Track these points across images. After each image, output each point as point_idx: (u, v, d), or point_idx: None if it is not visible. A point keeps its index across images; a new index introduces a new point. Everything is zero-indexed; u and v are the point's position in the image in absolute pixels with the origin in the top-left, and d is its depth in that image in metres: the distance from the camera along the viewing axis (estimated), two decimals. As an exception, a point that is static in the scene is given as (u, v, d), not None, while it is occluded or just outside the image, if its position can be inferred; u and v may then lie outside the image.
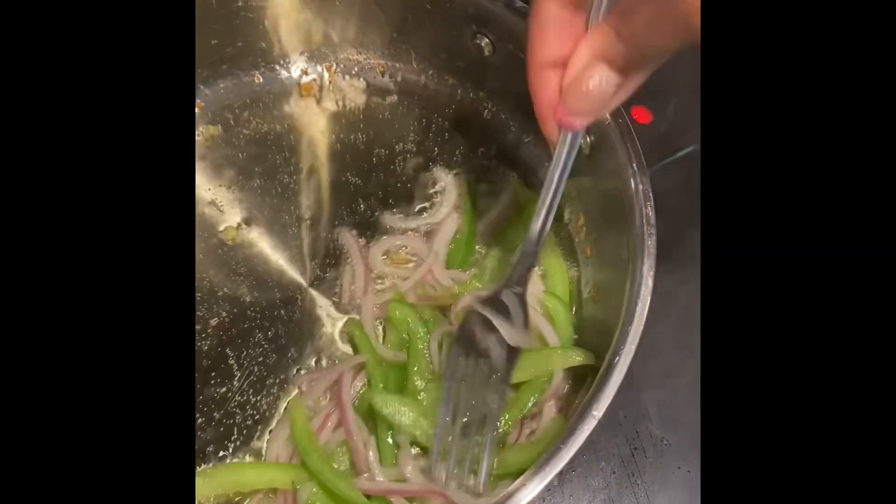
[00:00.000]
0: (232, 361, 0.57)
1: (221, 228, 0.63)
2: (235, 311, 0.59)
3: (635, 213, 0.48)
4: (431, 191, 0.65)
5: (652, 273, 0.46)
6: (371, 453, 0.50)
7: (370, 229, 0.63)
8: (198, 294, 0.59)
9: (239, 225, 0.63)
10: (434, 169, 0.66)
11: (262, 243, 0.62)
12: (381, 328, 0.58)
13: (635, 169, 0.50)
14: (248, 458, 0.54)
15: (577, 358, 0.53)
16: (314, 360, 0.57)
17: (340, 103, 0.70)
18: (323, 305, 0.60)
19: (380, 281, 0.60)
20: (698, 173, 0.69)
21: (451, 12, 0.62)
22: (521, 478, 0.40)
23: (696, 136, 0.71)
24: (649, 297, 0.45)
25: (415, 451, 0.51)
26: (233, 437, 0.54)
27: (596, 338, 0.54)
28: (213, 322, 0.58)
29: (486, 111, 0.68)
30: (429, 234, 0.62)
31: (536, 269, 0.60)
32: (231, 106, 0.68)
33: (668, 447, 0.56)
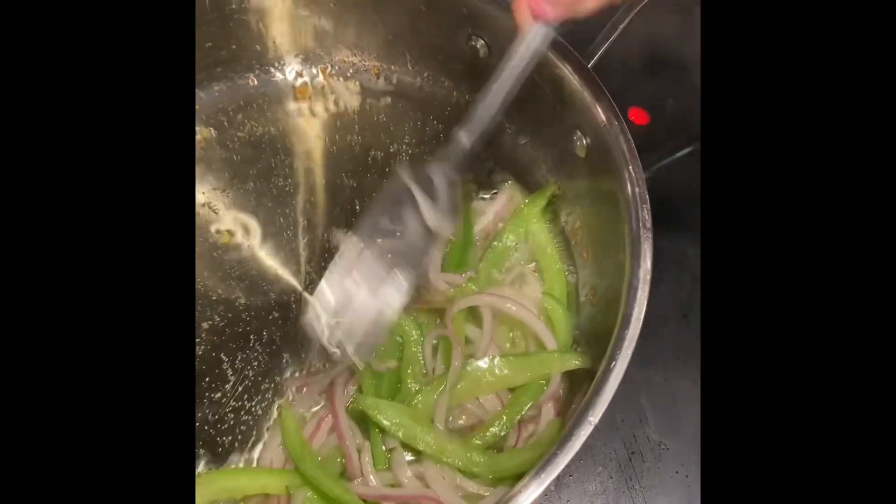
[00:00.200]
0: (226, 366, 0.56)
1: (215, 231, 0.62)
2: (230, 315, 0.59)
3: (632, 216, 0.47)
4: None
5: (649, 277, 0.45)
6: (365, 458, 0.50)
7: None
8: (191, 298, 0.59)
9: (233, 228, 0.63)
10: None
11: (257, 246, 0.62)
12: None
13: (632, 172, 0.49)
14: (241, 464, 0.53)
15: (574, 362, 0.52)
16: (308, 364, 0.57)
17: (335, 105, 0.70)
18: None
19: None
20: (696, 175, 0.70)
21: (446, 14, 0.61)
22: (518, 484, 0.40)
23: (694, 138, 0.71)
24: (646, 301, 0.45)
25: (408, 455, 0.51)
26: (227, 442, 0.54)
27: (593, 341, 0.54)
28: (206, 326, 0.58)
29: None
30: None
31: (534, 270, 0.59)
32: (225, 108, 0.68)
33: (665, 451, 0.56)
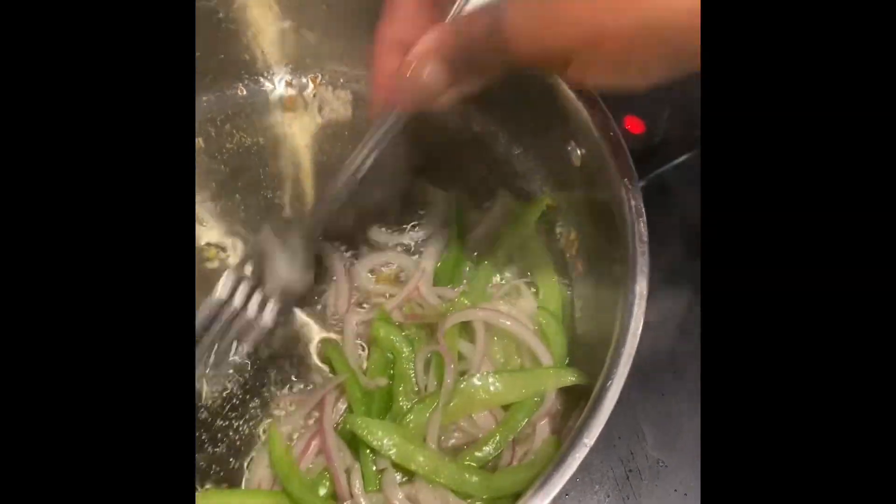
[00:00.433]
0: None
1: (202, 243, 0.61)
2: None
3: (627, 230, 0.46)
4: (419, 205, 0.63)
5: (645, 293, 0.44)
6: (355, 479, 0.49)
7: (356, 245, 0.61)
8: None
9: (220, 241, 0.61)
10: (422, 183, 0.64)
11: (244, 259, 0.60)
12: (362, 348, 0.56)
13: (627, 184, 0.48)
14: (226, 485, 0.52)
15: (570, 378, 0.51)
16: (297, 381, 0.56)
17: (326, 115, 0.68)
18: (307, 323, 0.58)
19: (365, 299, 0.58)
20: (693, 183, 0.69)
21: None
22: (512, 507, 0.39)
23: (690, 146, 0.70)
24: (643, 317, 0.44)
25: (400, 476, 0.49)
26: (214, 463, 0.52)
27: (589, 356, 0.52)
28: (192, 342, 0.56)
29: (474, 124, 0.67)
30: (416, 250, 0.61)
31: (527, 283, 0.58)
32: (213, 119, 0.67)
33: (664, 469, 0.55)
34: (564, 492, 0.53)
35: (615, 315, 0.46)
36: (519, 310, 0.56)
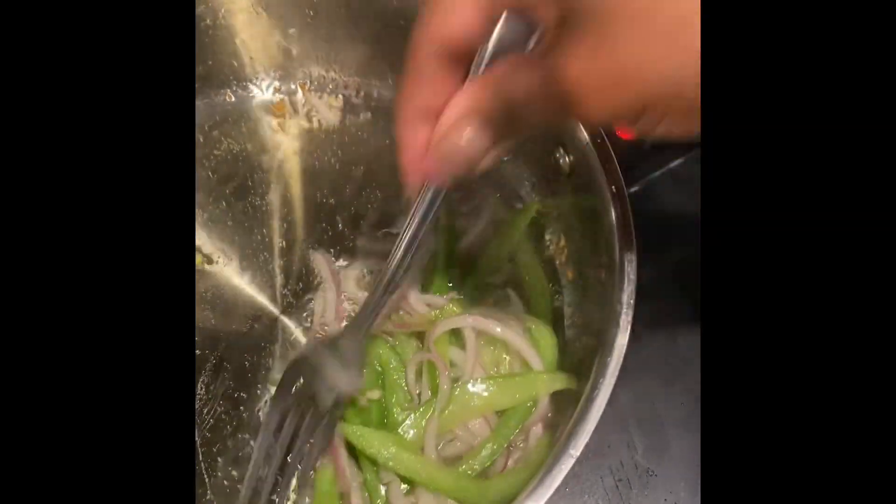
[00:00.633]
0: (200, 393, 0.54)
1: (190, 253, 0.61)
2: (200, 340, 0.56)
3: (615, 238, 0.46)
4: (409, 212, 0.63)
5: (633, 301, 0.44)
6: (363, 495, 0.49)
7: (346, 252, 0.61)
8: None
9: (207, 249, 0.61)
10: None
11: (232, 268, 0.60)
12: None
13: (615, 190, 0.48)
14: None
15: (562, 383, 0.51)
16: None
17: (315, 121, 0.68)
18: (296, 334, 0.57)
19: (354, 306, 0.58)
20: (683, 189, 0.69)
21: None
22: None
23: (681, 151, 0.70)
24: (629, 326, 0.43)
25: (403, 487, 0.49)
26: (198, 482, 0.51)
27: (580, 361, 0.52)
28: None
29: (464, 129, 0.66)
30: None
31: (517, 290, 0.58)
32: (201, 125, 0.66)
33: (653, 478, 0.54)
34: (553, 502, 0.53)
35: (604, 322, 0.45)
36: (509, 316, 0.56)
